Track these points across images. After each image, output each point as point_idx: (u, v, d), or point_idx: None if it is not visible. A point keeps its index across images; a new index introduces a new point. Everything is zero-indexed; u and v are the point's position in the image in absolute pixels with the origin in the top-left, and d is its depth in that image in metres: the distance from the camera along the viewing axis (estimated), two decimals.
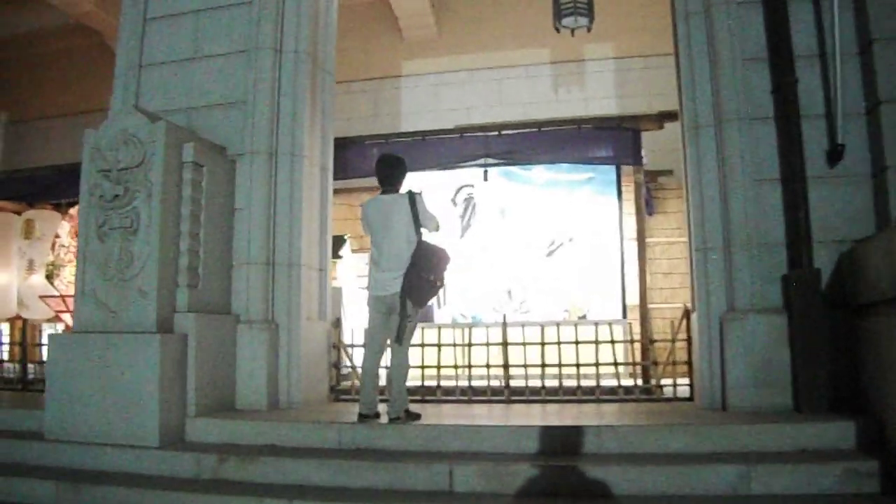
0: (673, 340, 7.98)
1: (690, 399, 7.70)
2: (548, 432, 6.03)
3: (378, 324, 6.72)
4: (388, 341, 6.66)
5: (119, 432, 6.45)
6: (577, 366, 8.15)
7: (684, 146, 7.38)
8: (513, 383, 8.40)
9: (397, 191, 6.82)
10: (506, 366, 8.37)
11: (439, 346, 8.52)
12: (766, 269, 6.78)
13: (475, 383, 8.47)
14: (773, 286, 6.76)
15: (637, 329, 9.83)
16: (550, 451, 5.93)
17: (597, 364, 8.13)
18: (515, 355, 8.48)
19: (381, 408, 6.74)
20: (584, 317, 10.73)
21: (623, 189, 11.14)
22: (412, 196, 6.68)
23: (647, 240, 12.02)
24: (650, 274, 12.12)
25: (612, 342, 8.16)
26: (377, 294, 6.67)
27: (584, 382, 8.19)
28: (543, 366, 8.26)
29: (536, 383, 8.25)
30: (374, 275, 6.74)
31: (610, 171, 10.83)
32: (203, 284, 7.38)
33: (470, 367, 8.39)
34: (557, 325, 8.35)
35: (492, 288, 11.27)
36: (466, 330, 8.74)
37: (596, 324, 8.28)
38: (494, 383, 8.39)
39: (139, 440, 6.39)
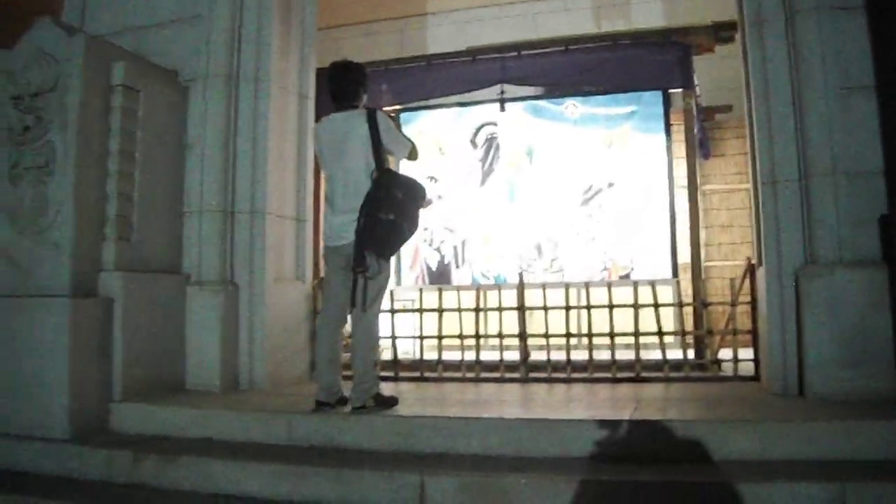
0: (733, 304, 6.32)
1: (755, 378, 6.06)
2: (559, 428, 4.48)
3: (336, 283, 5.16)
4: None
5: (25, 420, 5.21)
6: (612, 335, 6.50)
7: (745, 50, 5.69)
8: (535, 356, 6.87)
9: (355, 107, 5.17)
10: (522, 336, 6.75)
11: (440, 311, 6.93)
12: (858, 208, 5.08)
13: (489, 356, 6.94)
14: (868, 230, 5.06)
15: (689, 291, 8.13)
16: (562, 456, 4.33)
17: (636, 333, 6.46)
18: (536, 323, 6.85)
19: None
20: (627, 276, 9.04)
21: (673, 128, 9.36)
22: (371, 113, 5.07)
23: (704, 187, 10.37)
24: (706, 227, 10.42)
25: (656, 306, 6.48)
26: (331, 244, 5.12)
27: (623, 355, 6.59)
28: (569, 335, 6.64)
29: (562, 356, 6.65)
30: (328, 219, 5.17)
31: (656, 102, 9.06)
32: (139, 237, 6.04)
33: (478, 337, 6.78)
34: (586, 285, 6.69)
35: (518, 243, 9.59)
36: (480, 292, 7.08)
37: (635, 283, 6.60)
38: (511, 356, 6.81)
39: (48, 430, 5.13)
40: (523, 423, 4.62)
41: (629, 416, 4.58)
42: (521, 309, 6.79)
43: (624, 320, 6.63)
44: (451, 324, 7.03)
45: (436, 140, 9.84)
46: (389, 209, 4.81)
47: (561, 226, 9.42)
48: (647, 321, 6.56)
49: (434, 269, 9.79)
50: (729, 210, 10.87)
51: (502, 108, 8.30)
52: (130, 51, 6.37)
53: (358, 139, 4.97)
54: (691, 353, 6.87)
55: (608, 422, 4.41)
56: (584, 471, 4.04)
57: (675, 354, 6.62)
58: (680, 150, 9.39)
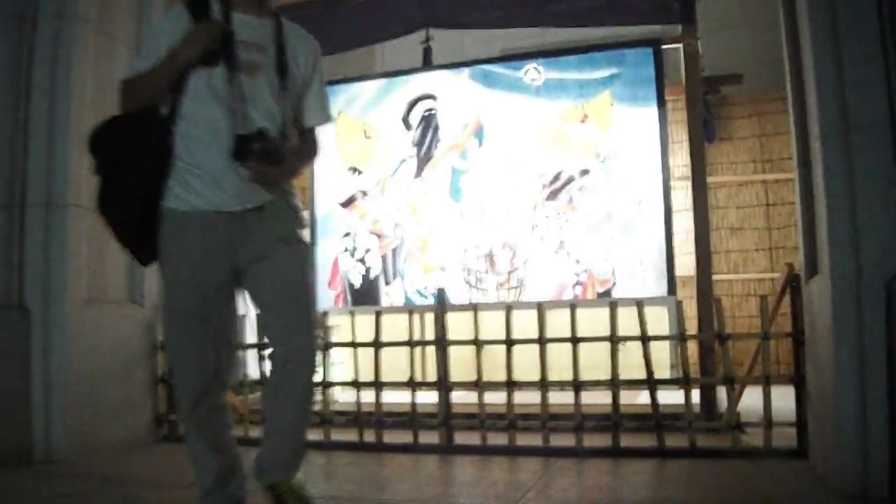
0: (766, 335, 4.10)
1: (800, 454, 3.86)
2: None
3: None
4: None
5: None
6: (575, 385, 4.31)
7: None
8: (464, 406, 4.80)
9: None
10: (440, 383, 4.55)
11: (327, 346, 4.79)
12: None
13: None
14: None
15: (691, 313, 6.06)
16: None
17: (614, 382, 4.28)
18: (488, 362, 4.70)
19: None
20: (607, 293, 6.85)
21: (668, 105, 7.25)
22: None
23: (707, 179, 8.20)
24: (711, 230, 8.24)
25: (644, 339, 4.29)
26: None
27: (593, 400, 4.56)
28: (510, 384, 4.45)
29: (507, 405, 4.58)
30: None
31: (644, 62, 6.88)
32: None
33: (378, 385, 4.61)
34: (539, 305, 4.51)
35: (465, 252, 7.39)
36: (409, 316, 4.94)
37: (612, 304, 4.40)
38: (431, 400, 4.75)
39: None
40: None
41: None
42: (442, 344, 4.58)
43: (600, 355, 4.46)
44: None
45: (358, 121, 7.71)
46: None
47: (520, 228, 7.20)
48: (632, 362, 4.39)
49: (358, 286, 7.56)
50: (739, 208, 8.65)
51: (427, 62, 6.15)
52: None
53: None
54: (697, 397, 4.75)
55: None
56: None
57: (674, 401, 4.47)
58: (678, 132, 7.62)
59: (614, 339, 4.29)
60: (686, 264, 7.03)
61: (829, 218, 3.17)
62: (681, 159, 7.82)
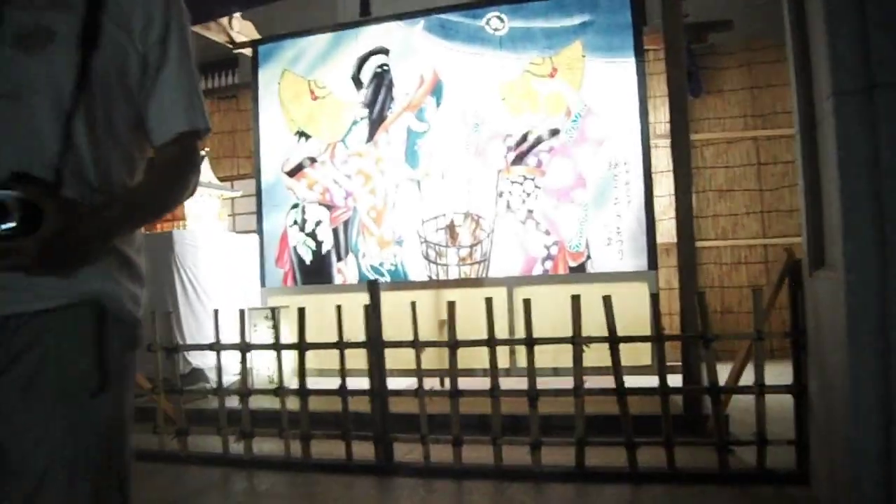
0: (759, 335, 3.39)
1: (799, 479, 3.26)
2: None
3: None
4: None
5: None
6: (530, 394, 3.62)
7: None
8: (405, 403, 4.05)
9: None
10: (375, 393, 3.84)
11: (245, 347, 4.03)
12: None
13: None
14: None
15: (673, 283, 5.41)
16: None
17: (576, 392, 3.57)
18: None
19: None
20: (580, 267, 6.16)
21: (648, 55, 6.64)
22: None
23: (692, 136, 7.45)
24: (696, 192, 7.53)
25: (613, 340, 3.58)
26: None
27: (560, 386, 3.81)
28: (454, 393, 3.74)
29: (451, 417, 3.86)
30: None
31: (620, 7, 6.17)
32: None
33: (304, 392, 3.92)
34: (488, 301, 3.78)
35: (424, 223, 6.67)
36: (337, 313, 4.16)
37: (574, 297, 3.69)
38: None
39: None
40: None
41: None
42: (376, 347, 3.85)
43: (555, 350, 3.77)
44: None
45: (304, 79, 7.04)
46: None
47: (484, 196, 6.50)
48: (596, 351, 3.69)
49: (308, 262, 6.86)
50: (728, 168, 7.91)
51: (364, 11, 5.35)
52: None
53: None
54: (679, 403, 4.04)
55: None
56: None
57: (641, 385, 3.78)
58: (659, 85, 7.00)
59: (577, 341, 3.56)
60: (670, 229, 6.37)
61: (843, 197, 2.45)
62: (663, 115, 7.16)
